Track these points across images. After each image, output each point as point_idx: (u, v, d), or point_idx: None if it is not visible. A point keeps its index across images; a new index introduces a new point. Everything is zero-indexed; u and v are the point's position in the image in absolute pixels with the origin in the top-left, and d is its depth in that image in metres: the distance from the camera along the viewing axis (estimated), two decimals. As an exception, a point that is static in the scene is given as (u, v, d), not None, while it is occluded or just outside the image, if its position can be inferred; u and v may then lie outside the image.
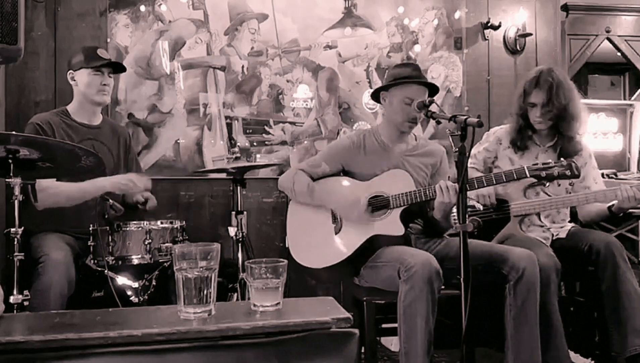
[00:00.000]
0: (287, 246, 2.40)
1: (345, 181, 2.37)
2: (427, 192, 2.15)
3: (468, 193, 2.00)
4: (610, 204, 2.49)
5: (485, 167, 2.76)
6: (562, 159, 2.15)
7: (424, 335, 1.93)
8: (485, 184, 2.14)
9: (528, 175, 2.11)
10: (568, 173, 2.10)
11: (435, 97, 2.28)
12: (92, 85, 2.44)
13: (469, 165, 2.70)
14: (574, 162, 2.11)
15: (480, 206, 2.57)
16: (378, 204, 2.25)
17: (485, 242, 2.36)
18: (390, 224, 2.20)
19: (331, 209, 2.32)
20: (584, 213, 2.69)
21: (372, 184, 2.29)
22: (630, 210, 3.17)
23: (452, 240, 2.34)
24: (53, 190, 2.25)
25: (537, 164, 2.12)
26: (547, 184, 2.35)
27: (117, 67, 2.58)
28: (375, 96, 2.44)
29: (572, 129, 2.54)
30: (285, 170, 3.34)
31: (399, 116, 2.30)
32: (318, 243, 2.31)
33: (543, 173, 2.11)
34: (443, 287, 2.13)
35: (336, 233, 2.28)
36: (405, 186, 2.22)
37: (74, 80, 2.48)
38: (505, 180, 2.14)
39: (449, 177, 2.35)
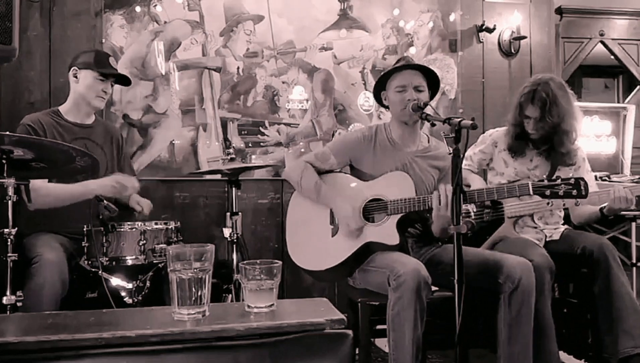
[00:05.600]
0: (282, 243, 2.39)
1: (351, 182, 2.34)
2: (426, 200, 2.12)
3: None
4: (602, 206, 2.50)
5: (480, 169, 2.77)
6: (570, 176, 1.99)
7: (412, 343, 1.92)
8: (486, 198, 2.09)
9: (531, 193, 2.01)
10: (574, 192, 1.95)
11: (429, 99, 2.28)
12: (93, 89, 2.46)
13: (464, 167, 2.71)
14: (582, 179, 1.96)
15: (471, 210, 2.56)
16: (376, 209, 2.23)
17: (481, 250, 2.35)
18: (386, 232, 2.17)
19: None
20: (576, 215, 2.70)
21: (373, 185, 2.27)
22: (623, 212, 3.20)
23: (449, 245, 2.33)
24: (44, 191, 2.24)
25: (542, 180, 2.00)
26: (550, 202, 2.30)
27: (120, 79, 2.59)
28: (379, 100, 2.42)
29: (564, 146, 2.52)
30: (281, 171, 3.36)
31: (396, 106, 2.27)
32: (314, 244, 2.30)
33: (547, 191, 1.97)
34: (437, 289, 2.13)
35: (332, 235, 2.27)
36: (405, 192, 2.18)
37: (76, 77, 2.47)
38: (507, 195, 2.08)
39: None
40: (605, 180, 3.21)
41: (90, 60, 2.46)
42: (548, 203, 2.12)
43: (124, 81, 2.62)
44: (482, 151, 2.72)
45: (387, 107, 2.40)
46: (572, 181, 1.96)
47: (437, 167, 2.36)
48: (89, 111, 2.53)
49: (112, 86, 2.54)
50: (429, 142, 2.40)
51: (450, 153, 1.78)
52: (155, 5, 3.26)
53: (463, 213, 2.45)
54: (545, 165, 2.61)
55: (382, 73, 2.35)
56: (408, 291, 1.91)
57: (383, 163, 2.30)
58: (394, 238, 2.15)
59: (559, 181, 1.97)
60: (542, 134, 2.52)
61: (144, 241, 2.20)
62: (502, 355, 2.11)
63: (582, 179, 1.97)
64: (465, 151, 1.79)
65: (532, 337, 2.10)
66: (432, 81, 2.31)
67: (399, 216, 2.17)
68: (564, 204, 2.47)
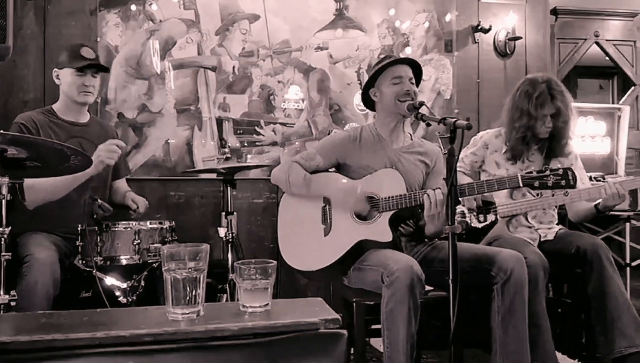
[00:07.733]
0: (278, 243, 2.39)
1: (342, 179, 2.34)
2: (418, 197, 2.13)
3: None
4: (597, 202, 2.50)
5: (473, 171, 2.77)
6: (558, 167, 2.01)
7: (407, 340, 1.92)
8: (476, 192, 2.11)
9: (521, 184, 2.02)
10: (563, 182, 1.96)
11: (425, 100, 2.29)
12: (74, 85, 2.42)
13: (457, 169, 2.72)
14: (570, 170, 1.98)
15: (476, 223, 2.57)
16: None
17: (474, 244, 2.36)
18: (379, 229, 2.18)
19: (323, 204, 2.31)
20: (572, 213, 2.70)
21: (363, 183, 2.27)
22: (618, 212, 3.22)
23: (442, 242, 2.34)
24: (38, 186, 2.22)
25: (531, 172, 2.01)
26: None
27: (100, 67, 2.53)
28: (366, 101, 2.43)
29: (569, 133, 2.56)
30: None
31: (392, 99, 2.28)
32: (306, 244, 2.30)
33: (536, 183, 1.99)
34: (432, 289, 2.14)
35: (325, 235, 2.27)
36: (396, 188, 2.20)
37: (58, 78, 2.46)
38: (497, 188, 2.09)
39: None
40: (599, 181, 3.22)
41: (65, 58, 2.44)
42: (537, 194, 2.14)
43: (103, 68, 2.54)
44: (474, 153, 2.73)
45: (371, 107, 2.43)
46: (560, 171, 1.98)
47: (424, 162, 2.38)
48: (78, 108, 2.51)
49: (94, 76, 2.45)
50: (411, 139, 2.43)
51: (445, 153, 1.79)
52: (151, 4, 3.25)
53: (459, 216, 2.47)
54: (537, 163, 2.62)
55: (373, 70, 2.36)
56: (401, 288, 1.92)
57: (370, 161, 2.32)
58: (386, 235, 2.16)
59: (547, 172, 1.98)
60: (551, 129, 2.54)
61: (139, 241, 2.19)
62: (498, 349, 2.11)
63: (570, 169, 1.98)
64: (460, 151, 1.79)
65: (527, 330, 2.09)
66: (416, 76, 2.35)
67: (391, 213, 2.19)
68: (553, 195, 2.48)
